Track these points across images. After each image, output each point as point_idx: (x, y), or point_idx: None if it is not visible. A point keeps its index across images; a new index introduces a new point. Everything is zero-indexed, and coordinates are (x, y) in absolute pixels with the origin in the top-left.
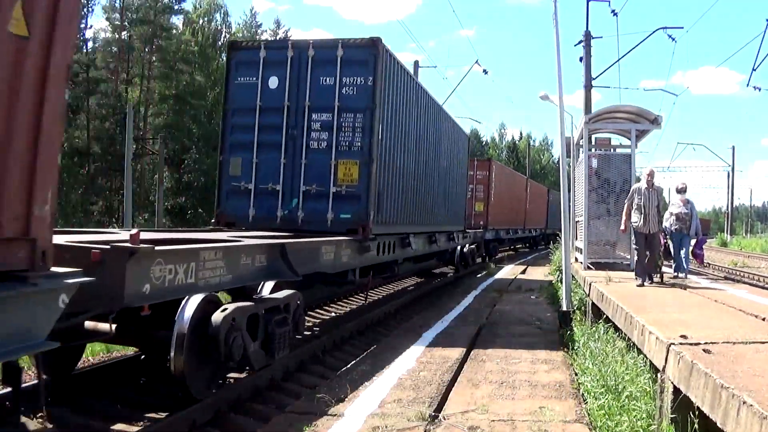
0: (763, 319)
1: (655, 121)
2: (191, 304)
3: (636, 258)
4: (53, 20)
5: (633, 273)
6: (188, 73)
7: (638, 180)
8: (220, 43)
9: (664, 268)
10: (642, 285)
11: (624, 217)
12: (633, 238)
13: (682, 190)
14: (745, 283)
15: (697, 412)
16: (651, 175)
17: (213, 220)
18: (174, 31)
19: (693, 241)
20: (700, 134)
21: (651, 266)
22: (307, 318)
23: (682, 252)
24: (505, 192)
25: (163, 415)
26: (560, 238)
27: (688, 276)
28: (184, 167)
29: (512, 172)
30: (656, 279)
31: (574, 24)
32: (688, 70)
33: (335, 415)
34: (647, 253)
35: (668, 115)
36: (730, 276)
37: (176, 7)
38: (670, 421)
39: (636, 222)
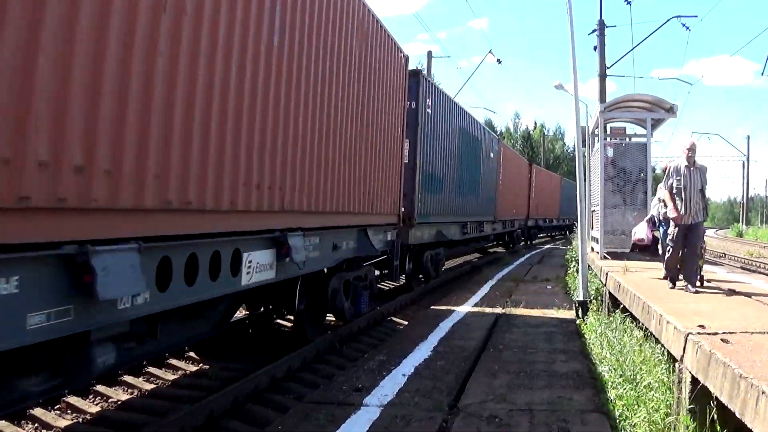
0: None
1: (671, 110)
2: None
3: (668, 254)
4: None
5: (648, 261)
6: None
7: (654, 170)
8: None
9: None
10: (674, 287)
11: (670, 204)
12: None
13: None
14: (761, 273)
15: (715, 402)
16: (691, 149)
17: None
18: None
19: None
20: (715, 124)
21: (691, 265)
22: None
23: None
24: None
25: None
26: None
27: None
28: None
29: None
30: (692, 287)
31: (588, 12)
32: (702, 59)
33: (352, 404)
34: (685, 249)
35: (683, 105)
36: (746, 267)
37: None
38: (687, 411)
39: (670, 210)
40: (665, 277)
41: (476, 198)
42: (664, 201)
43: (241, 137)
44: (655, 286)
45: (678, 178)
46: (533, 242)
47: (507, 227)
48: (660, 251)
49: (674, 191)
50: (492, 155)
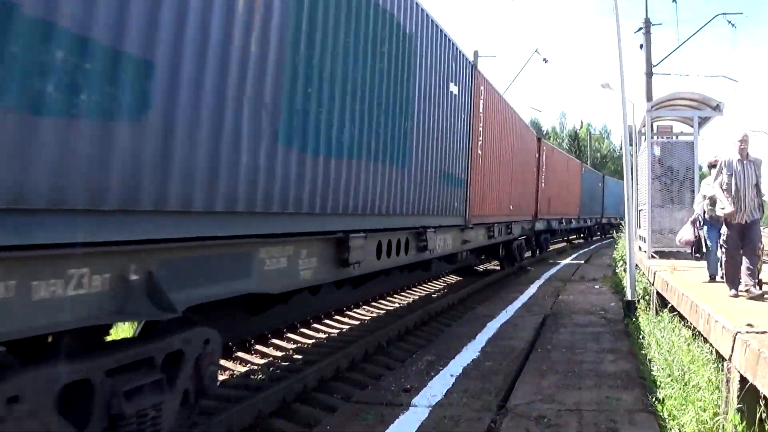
0: None
1: (717, 108)
2: None
3: (724, 258)
4: None
5: (696, 260)
6: None
7: (701, 168)
8: None
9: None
10: (737, 296)
11: (725, 200)
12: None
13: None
14: None
15: (763, 402)
16: (744, 141)
17: None
18: None
19: None
20: (761, 120)
21: (751, 266)
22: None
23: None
24: None
25: None
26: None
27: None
28: None
29: None
30: (756, 289)
31: (634, 10)
32: (748, 54)
33: (401, 405)
34: (742, 251)
35: (729, 102)
36: None
37: None
38: (736, 410)
39: (725, 207)
40: (711, 280)
41: (400, 170)
42: (710, 199)
43: None
44: (703, 285)
45: (730, 173)
46: (546, 251)
47: (497, 235)
48: (705, 251)
49: (725, 187)
50: (455, 90)
